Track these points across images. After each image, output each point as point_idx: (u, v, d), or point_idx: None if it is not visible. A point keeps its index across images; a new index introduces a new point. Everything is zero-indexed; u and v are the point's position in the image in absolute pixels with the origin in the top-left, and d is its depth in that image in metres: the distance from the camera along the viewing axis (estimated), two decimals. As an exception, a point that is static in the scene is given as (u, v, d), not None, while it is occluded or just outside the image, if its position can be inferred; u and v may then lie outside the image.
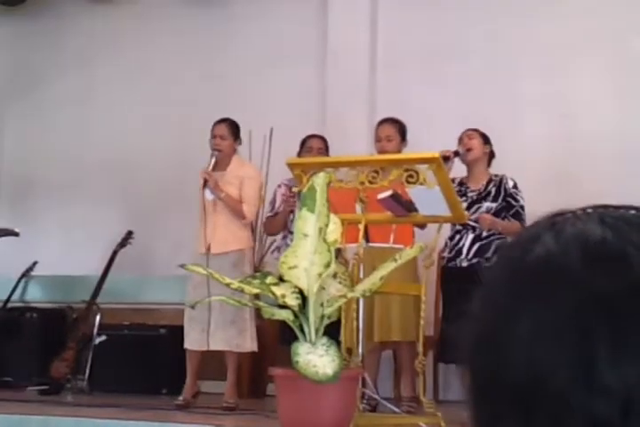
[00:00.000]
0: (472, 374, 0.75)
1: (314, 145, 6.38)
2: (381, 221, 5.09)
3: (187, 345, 6.18)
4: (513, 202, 5.61)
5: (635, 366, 0.66)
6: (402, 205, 4.87)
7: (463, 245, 5.58)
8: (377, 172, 4.94)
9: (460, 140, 5.72)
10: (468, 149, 5.64)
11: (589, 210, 0.76)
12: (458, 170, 5.72)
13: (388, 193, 4.85)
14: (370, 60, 7.41)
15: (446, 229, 5.64)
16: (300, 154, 6.31)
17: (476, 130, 5.75)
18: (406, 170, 4.81)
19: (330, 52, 7.45)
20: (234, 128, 6.32)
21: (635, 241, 0.70)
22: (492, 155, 5.78)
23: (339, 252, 5.04)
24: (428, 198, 4.81)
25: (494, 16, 7.12)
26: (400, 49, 7.36)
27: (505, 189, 5.63)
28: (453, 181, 5.65)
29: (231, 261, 6.13)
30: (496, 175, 5.71)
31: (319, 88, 7.46)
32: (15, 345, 7.36)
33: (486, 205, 5.60)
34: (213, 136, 6.31)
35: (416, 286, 5.04)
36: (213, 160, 6.20)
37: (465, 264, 5.55)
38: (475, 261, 5.53)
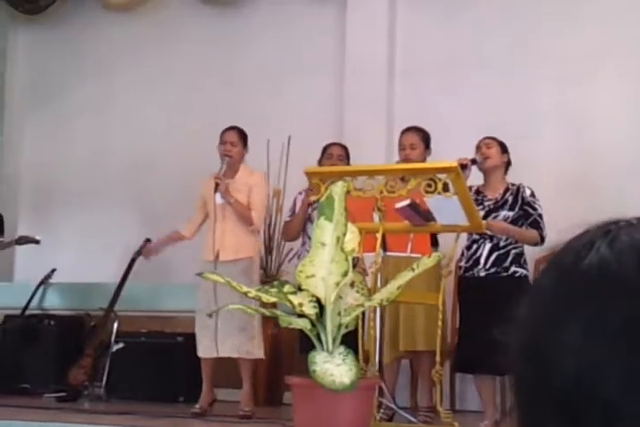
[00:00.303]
0: (518, 379, 0.75)
1: (334, 152, 6.39)
2: (399, 230, 5.09)
3: (200, 353, 6.20)
4: (530, 210, 5.59)
5: None
6: (419, 215, 4.87)
7: (481, 254, 5.56)
8: (395, 181, 4.94)
9: (478, 148, 5.71)
10: (486, 158, 5.63)
11: None
12: (474, 178, 5.71)
13: (406, 202, 4.85)
14: (388, 70, 7.41)
15: (463, 239, 5.62)
16: (320, 161, 6.32)
17: (494, 138, 5.74)
18: (425, 179, 4.81)
19: (348, 61, 7.46)
20: (243, 136, 6.36)
21: None
22: (508, 163, 5.77)
23: (357, 261, 5.05)
24: (446, 208, 4.81)
25: (512, 26, 7.12)
26: (418, 59, 7.36)
27: (522, 198, 5.61)
28: (470, 189, 5.63)
29: (241, 269, 6.15)
30: (513, 184, 5.70)
31: (337, 97, 7.47)
32: (33, 352, 7.38)
33: (503, 213, 5.59)
34: (223, 142, 6.34)
35: (434, 296, 5.03)
36: (224, 166, 6.23)
37: (483, 274, 5.54)
38: (492, 271, 5.52)
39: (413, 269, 4.40)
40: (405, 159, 5.86)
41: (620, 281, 0.69)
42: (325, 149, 6.44)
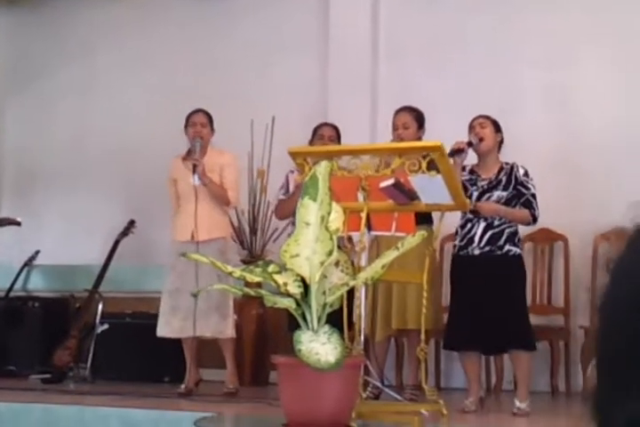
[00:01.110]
0: (614, 351, 0.76)
1: (325, 133, 6.37)
2: (383, 209, 5.09)
3: (166, 333, 6.19)
4: (523, 190, 5.59)
5: None
6: (404, 194, 4.87)
7: (475, 233, 5.57)
8: (381, 162, 4.94)
9: (472, 128, 5.67)
10: (481, 139, 5.61)
11: None
12: (469, 157, 5.69)
13: (390, 181, 4.84)
14: (372, 50, 7.40)
15: (457, 218, 5.64)
16: (311, 142, 6.31)
17: (487, 117, 5.71)
18: (409, 158, 4.81)
19: (332, 42, 7.44)
20: (210, 117, 6.41)
21: None
22: (501, 142, 5.76)
23: (350, 240, 5.06)
24: (430, 187, 4.81)
25: (496, 5, 7.12)
26: (402, 39, 7.35)
27: (516, 178, 5.60)
28: (464, 169, 5.64)
29: (217, 249, 6.17)
30: (507, 163, 5.69)
31: (321, 77, 7.46)
32: (18, 334, 7.38)
33: (497, 193, 5.59)
34: (193, 124, 6.35)
35: (419, 274, 5.04)
36: (198, 146, 6.23)
37: (477, 252, 5.55)
38: (486, 249, 5.53)
39: (398, 248, 4.41)
40: (399, 139, 5.86)
41: None
42: (316, 129, 6.42)
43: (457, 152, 5.48)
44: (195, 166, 6.15)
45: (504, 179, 5.63)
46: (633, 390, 0.72)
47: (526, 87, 6.96)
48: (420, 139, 5.93)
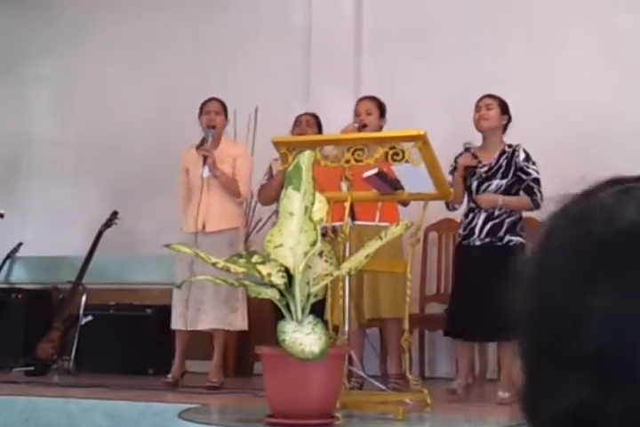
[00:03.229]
0: (530, 345, 0.72)
1: (302, 119, 6.42)
2: (367, 199, 5.09)
3: (178, 326, 6.16)
4: (524, 176, 5.55)
5: None
6: (387, 183, 4.87)
7: (476, 224, 5.55)
8: (362, 150, 4.92)
9: (478, 108, 5.64)
10: (485, 119, 5.56)
11: None
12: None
13: (374, 171, 4.84)
14: (355, 38, 7.37)
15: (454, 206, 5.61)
16: (292, 131, 6.33)
17: (495, 97, 5.65)
18: (392, 148, 4.80)
19: (314, 30, 7.41)
20: (224, 106, 6.33)
21: None
22: (508, 122, 5.70)
23: (333, 230, 5.04)
24: (414, 176, 4.80)
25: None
26: (385, 26, 7.33)
27: (515, 163, 5.56)
28: (468, 150, 5.57)
29: (227, 240, 6.13)
30: (510, 146, 5.62)
31: (304, 66, 7.43)
32: (0, 326, 7.34)
33: (495, 182, 5.54)
34: (207, 112, 6.27)
35: (402, 264, 5.04)
36: (210, 137, 6.16)
37: (478, 243, 5.53)
38: (487, 240, 5.51)
39: (381, 238, 4.41)
40: (361, 124, 5.86)
41: None
42: (296, 118, 6.48)
43: (467, 169, 5.50)
44: (205, 158, 6.07)
45: (504, 164, 5.57)
46: (554, 386, 0.70)
47: (511, 75, 6.94)
48: (381, 127, 5.94)
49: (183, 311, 6.12)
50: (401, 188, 4.89)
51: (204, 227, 6.10)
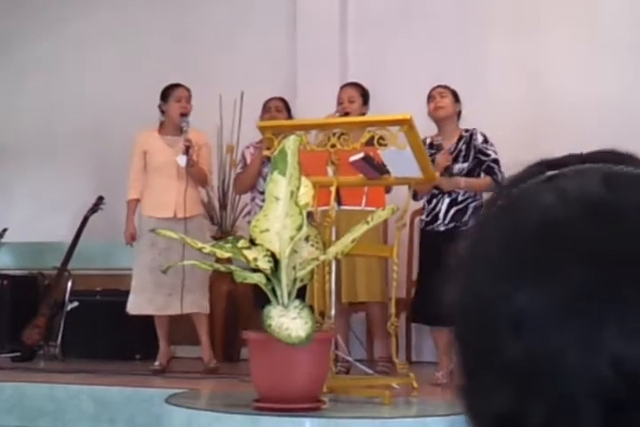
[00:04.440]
0: (460, 344, 0.68)
1: (272, 105, 6.41)
2: (353, 183, 5.08)
3: (151, 311, 6.15)
4: (483, 157, 5.60)
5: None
6: (374, 168, 4.86)
7: (440, 209, 5.57)
8: (347, 134, 4.91)
9: (431, 97, 5.68)
10: (440, 107, 5.61)
11: (589, 165, 0.67)
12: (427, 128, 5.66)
13: (360, 155, 4.83)
14: (340, 24, 7.35)
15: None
16: (261, 117, 6.30)
17: (446, 87, 5.72)
18: (377, 132, 4.80)
19: (299, 16, 7.39)
20: (190, 92, 6.29)
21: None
22: (459, 112, 5.77)
23: (310, 215, 5.03)
24: (400, 160, 4.80)
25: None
26: (370, 11, 7.31)
27: (474, 146, 5.61)
28: (424, 141, 5.62)
29: (197, 226, 6.20)
30: (467, 130, 5.68)
31: (289, 52, 7.40)
32: (-14, 312, 7.32)
33: (457, 166, 5.58)
34: (178, 99, 6.23)
35: (388, 248, 5.04)
36: (187, 125, 6.13)
37: (442, 229, 5.54)
38: (451, 226, 5.52)
39: (368, 222, 4.41)
40: (343, 113, 5.86)
41: (576, 244, 0.62)
42: (264, 104, 6.44)
43: (447, 168, 5.51)
44: (187, 148, 6.03)
45: (463, 148, 5.62)
46: (484, 387, 0.65)
47: (496, 57, 6.94)
48: (364, 115, 5.93)
49: (153, 296, 6.11)
50: (387, 172, 4.88)
51: (175, 213, 6.11)
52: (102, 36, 8.06)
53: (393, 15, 7.24)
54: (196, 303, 6.13)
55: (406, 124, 4.71)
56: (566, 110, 6.69)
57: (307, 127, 5.12)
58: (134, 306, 6.16)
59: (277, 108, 6.39)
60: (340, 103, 6.01)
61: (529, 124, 6.75)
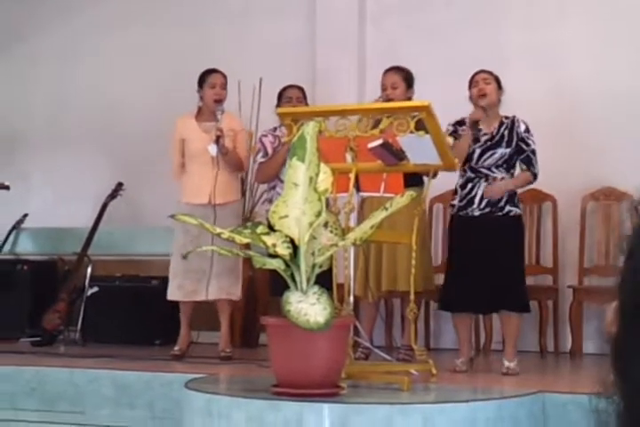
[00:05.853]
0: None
1: (292, 95, 6.36)
2: (372, 170, 5.08)
3: (179, 297, 6.18)
4: (524, 146, 5.57)
5: None
6: (392, 154, 4.85)
7: (475, 194, 5.54)
8: (368, 122, 4.91)
9: (475, 82, 5.61)
10: (483, 95, 5.56)
11: None
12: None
13: (379, 142, 4.82)
14: (359, 9, 7.34)
15: (451, 177, 5.58)
16: (278, 105, 6.26)
17: (490, 73, 5.64)
18: (397, 118, 4.79)
19: (319, 2, 7.38)
20: (226, 78, 6.27)
21: None
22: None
23: (329, 201, 5.03)
24: (419, 146, 4.79)
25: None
26: (389, -2, 7.29)
27: (517, 133, 5.57)
28: (463, 122, 5.58)
29: (232, 211, 6.19)
30: (507, 117, 5.63)
31: (309, 38, 7.40)
32: (7, 297, 7.37)
33: (500, 151, 5.54)
34: (213, 86, 6.21)
35: (407, 235, 5.03)
36: (221, 113, 6.09)
37: (477, 213, 5.52)
38: (487, 210, 5.51)
39: (387, 209, 4.40)
40: (387, 99, 5.81)
41: None
42: (282, 93, 6.39)
43: (476, 123, 5.48)
44: (218, 137, 6.01)
45: (506, 133, 5.57)
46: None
47: (513, 46, 6.91)
48: (409, 99, 5.88)
49: (182, 282, 6.13)
50: (406, 158, 4.88)
51: (210, 199, 6.10)
52: (116, 23, 8.06)
53: (412, 2, 7.22)
54: (225, 290, 6.12)
55: (425, 111, 4.70)
56: (588, 98, 6.67)
57: (326, 114, 5.11)
58: (169, 292, 6.21)
59: (299, 99, 6.34)
60: (383, 89, 5.95)
61: (550, 113, 6.72)
